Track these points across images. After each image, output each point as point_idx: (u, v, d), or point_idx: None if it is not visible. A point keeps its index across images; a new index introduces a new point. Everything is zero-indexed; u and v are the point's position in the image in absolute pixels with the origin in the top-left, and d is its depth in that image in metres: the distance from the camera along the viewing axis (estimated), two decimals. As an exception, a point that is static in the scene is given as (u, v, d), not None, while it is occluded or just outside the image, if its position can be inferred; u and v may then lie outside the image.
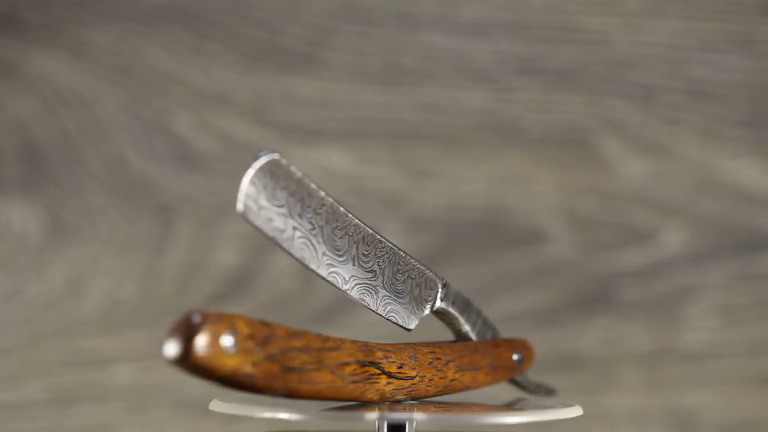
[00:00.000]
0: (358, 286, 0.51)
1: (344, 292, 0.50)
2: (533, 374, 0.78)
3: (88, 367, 0.75)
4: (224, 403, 0.51)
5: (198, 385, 0.76)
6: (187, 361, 0.44)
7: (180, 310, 0.76)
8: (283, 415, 0.48)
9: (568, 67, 0.79)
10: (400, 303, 0.52)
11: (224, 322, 0.44)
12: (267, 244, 0.78)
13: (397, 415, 0.49)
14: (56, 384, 0.75)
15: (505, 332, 0.79)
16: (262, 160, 0.48)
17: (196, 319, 0.44)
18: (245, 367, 0.45)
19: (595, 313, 0.78)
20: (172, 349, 0.44)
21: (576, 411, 0.52)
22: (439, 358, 0.53)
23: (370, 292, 0.51)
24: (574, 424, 0.75)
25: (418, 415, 0.49)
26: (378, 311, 0.52)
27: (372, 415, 0.49)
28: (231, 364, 0.44)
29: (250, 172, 0.47)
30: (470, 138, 0.79)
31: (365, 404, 0.51)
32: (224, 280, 0.77)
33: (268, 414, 0.48)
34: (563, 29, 0.79)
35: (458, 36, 0.79)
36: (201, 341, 0.44)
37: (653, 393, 0.78)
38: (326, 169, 0.78)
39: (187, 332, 0.44)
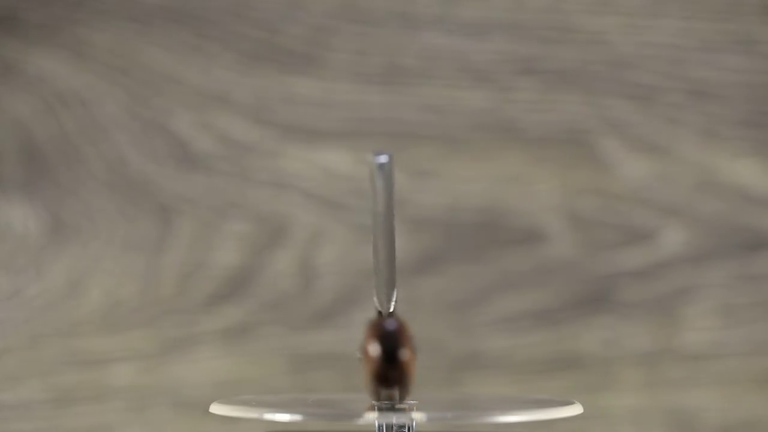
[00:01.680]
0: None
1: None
2: (534, 373, 0.79)
3: (88, 367, 0.76)
4: (226, 406, 0.51)
5: (198, 385, 0.76)
6: (395, 367, 0.44)
7: (180, 310, 0.76)
8: (284, 417, 0.48)
9: (568, 67, 0.79)
10: None
11: (407, 327, 0.45)
12: (267, 244, 0.79)
13: (397, 416, 0.49)
14: (56, 384, 0.75)
15: (506, 332, 0.79)
16: (389, 162, 0.47)
17: (392, 324, 0.44)
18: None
19: (595, 313, 0.78)
20: (377, 352, 0.44)
21: (576, 409, 0.52)
22: None
23: None
24: (574, 424, 0.75)
25: (418, 415, 0.49)
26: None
27: (372, 416, 0.49)
28: (412, 368, 0.45)
29: (383, 174, 0.46)
30: (470, 138, 0.79)
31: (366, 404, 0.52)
32: (224, 280, 0.77)
33: (269, 416, 0.48)
34: (563, 29, 0.79)
35: (458, 36, 0.79)
36: (407, 347, 0.44)
37: (653, 393, 0.78)
38: (326, 169, 0.78)
39: (393, 337, 0.44)
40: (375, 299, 0.53)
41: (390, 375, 0.44)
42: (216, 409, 0.51)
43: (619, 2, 0.79)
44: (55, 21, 0.77)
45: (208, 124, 0.78)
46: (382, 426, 0.52)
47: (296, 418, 0.48)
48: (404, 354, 0.44)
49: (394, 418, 0.49)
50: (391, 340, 0.44)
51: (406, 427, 0.52)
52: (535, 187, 0.79)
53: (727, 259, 0.79)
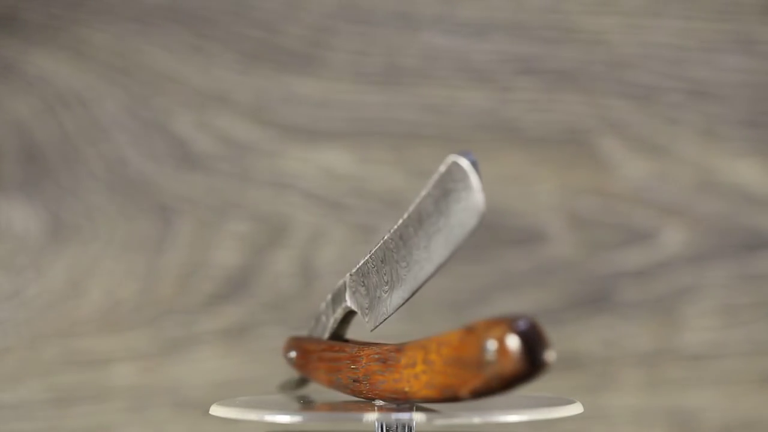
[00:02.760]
0: None
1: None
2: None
3: (88, 367, 0.75)
4: (226, 408, 0.51)
5: (198, 385, 0.76)
6: (537, 369, 0.43)
7: (180, 310, 0.76)
8: (285, 418, 0.48)
9: (568, 67, 0.79)
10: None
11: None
12: (267, 244, 0.79)
13: (397, 416, 0.49)
14: (56, 384, 0.75)
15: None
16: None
17: (523, 325, 0.43)
18: None
19: (595, 313, 0.78)
20: (520, 352, 0.43)
21: (576, 408, 0.52)
22: None
23: None
24: (574, 424, 0.75)
25: (418, 416, 0.49)
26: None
27: (372, 416, 0.49)
28: None
29: (475, 173, 0.46)
30: (470, 138, 0.79)
31: (365, 405, 0.51)
32: (224, 280, 0.77)
33: (270, 417, 0.48)
34: (563, 29, 0.79)
35: (458, 36, 0.79)
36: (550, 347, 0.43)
37: (653, 393, 0.78)
38: (326, 169, 0.78)
39: (539, 338, 0.43)
40: (351, 301, 0.53)
41: (530, 376, 0.44)
42: (216, 411, 0.51)
43: (619, 2, 0.79)
44: (55, 21, 0.77)
45: (208, 124, 0.78)
46: (382, 426, 0.52)
47: (297, 419, 0.48)
48: (551, 356, 0.44)
49: (395, 418, 0.49)
50: (538, 341, 0.43)
51: (407, 427, 0.52)
52: (535, 187, 0.79)
53: (727, 259, 0.79)
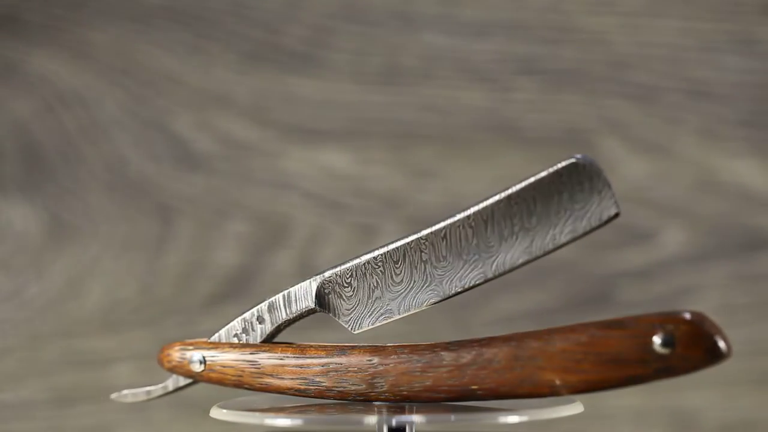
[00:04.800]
0: None
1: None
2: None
3: (88, 367, 0.76)
4: (226, 410, 0.51)
5: (198, 386, 0.76)
6: (717, 360, 0.44)
7: (180, 310, 0.76)
8: (285, 422, 0.48)
9: (568, 67, 0.79)
10: None
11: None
12: (267, 244, 0.79)
13: (398, 418, 0.49)
14: (56, 384, 0.75)
15: (506, 332, 0.79)
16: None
17: (688, 315, 0.44)
18: None
19: (595, 313, 0.78)
20: (709, 346, 0.44)
21: (576, 409, 0.52)
22: None
23: None
24: (574, 424, 0.75)
25: (418, 418, 0.49)
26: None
27: (372, 418, 0.49)
28: None
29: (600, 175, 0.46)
30: (470, 138, 0.79)
31: (366, 406, 0.51)
32: (224, 280, 0.77)
33: (269, 421, 0.48)
34: (563, 29, 0.79)
35: (458, 36, 0.79)
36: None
37: (653, 393, 0.78)
38: (326, 169, 0.78)
39: (713, 332, 0.43)
40: (322, 302, 0.52)
41: (702, 368, 0.44)
42: (217, 413, 0.51)
43: (619, 2, 0.79)
44: (56, 21, 0.77)
45: (208, 124, 0.78)
46: (382, 428, 0.52)
47: (297, 423, 0.48)
48: (725, 347, 0.44)
49: (395, 420, 0.49)
50: (714, 332, 0.44)
51: (407, 428, 0.52)
52: (535, 187, 0.79)
53: (727, 259, 0.79)
